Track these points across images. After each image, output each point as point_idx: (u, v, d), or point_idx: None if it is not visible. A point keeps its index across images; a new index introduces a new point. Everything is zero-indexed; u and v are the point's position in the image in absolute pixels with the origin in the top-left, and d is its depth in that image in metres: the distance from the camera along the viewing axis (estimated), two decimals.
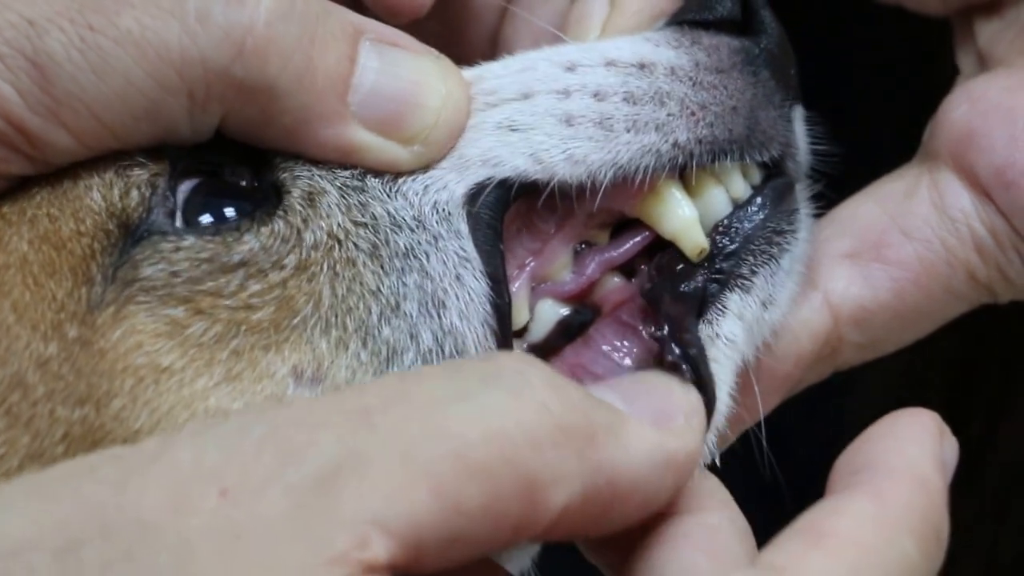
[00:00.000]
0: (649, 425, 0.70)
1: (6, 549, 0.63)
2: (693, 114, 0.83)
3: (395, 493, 0.64)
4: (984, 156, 0.89)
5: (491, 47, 0.96)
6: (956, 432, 0.75)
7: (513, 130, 0.82)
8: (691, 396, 0.74)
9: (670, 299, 0.83)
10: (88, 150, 0.80)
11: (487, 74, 0.85)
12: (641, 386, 0.73)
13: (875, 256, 0.90)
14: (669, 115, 0.83)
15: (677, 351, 0.80)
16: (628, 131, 0.82)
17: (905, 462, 0.70)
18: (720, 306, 0.84)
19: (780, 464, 1.21)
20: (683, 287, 0.83)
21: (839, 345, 0.90)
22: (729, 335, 0.83)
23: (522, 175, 0.82)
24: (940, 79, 0.95)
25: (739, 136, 0.84)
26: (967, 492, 1.01)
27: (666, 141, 0.83)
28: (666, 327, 0.81)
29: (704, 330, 0.83)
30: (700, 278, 0.84)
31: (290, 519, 0.63)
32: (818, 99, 0.90)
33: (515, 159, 0.82)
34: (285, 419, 0.66)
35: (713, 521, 0.72)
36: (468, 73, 0.85)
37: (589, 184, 0.82)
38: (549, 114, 0.82)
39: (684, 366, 0.79)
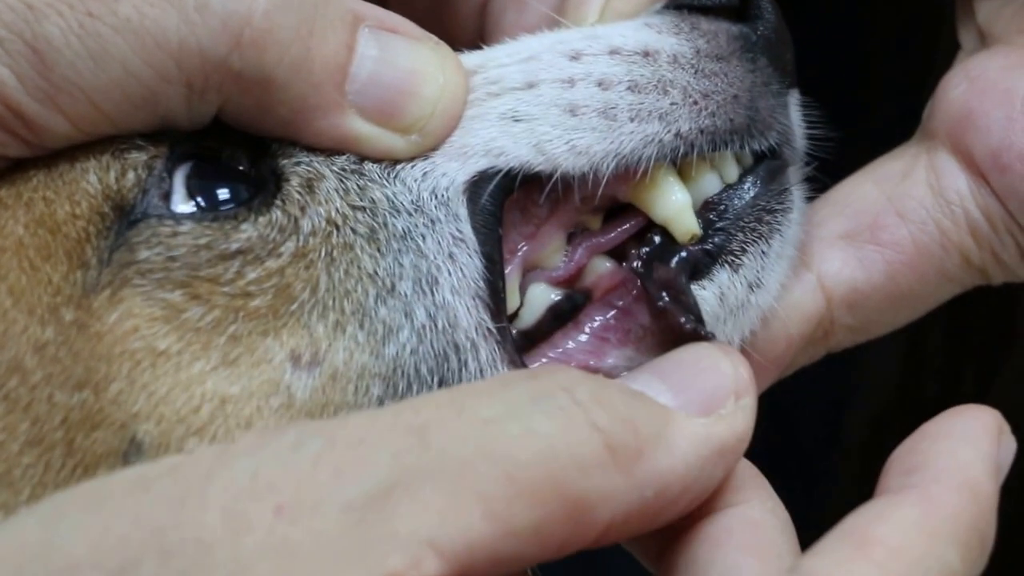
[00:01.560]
0: (697, 416, 0.70)
1: (63, 566, 0.63)
2: (696, 103, 0.83)
3: (449, 513, 0.64)
4: (981, 137, 0.89)
5: (480, 20, 0.96)
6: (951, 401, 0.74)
7: (517, 120, 0.82)
8: (740, 370, 0.74)
9: (661, 268, 0.83)
10: (85, 135, 0.80)
11: (490, 62, 0.85)
12: (688, 368, 0.74)
13: (870, 238, 0.90)
14: (672, 104, 0.83)
15: (690, 316, 0.81)
16: (632, 120, 0.82)
17: (957, 466, 0.70)
18: (709, 277, 0.84)
19: (782, 442, 1.22)
20: (674, 258, 0.84)
21: (831, 327, 0.90)
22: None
23: (526, 166, 0.82)
24: (938, 62, 0.95)
25: (740, 126, 0.84)
26: None
27: (668, 131, 0.83)
28: (666, 295, 0.82)
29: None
30: (690, 251, 0.84)
31: (345, 538, 0.63)
32: (813, 83, 0.90)
33: (519, 150, 0.82)
34: (342, 434, 0.66)
35: (756, 515, 0.73)
36: (469, 60, 0.85)
37: (591, 174, 0.82)
38: (554, 104, 0.82)
39: (702, 330, 0.80)
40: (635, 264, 0.83)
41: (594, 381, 0.69)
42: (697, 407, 0.71)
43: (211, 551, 0.63)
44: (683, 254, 0.84)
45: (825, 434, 1.26)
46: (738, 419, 0.72)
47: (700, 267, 0.84)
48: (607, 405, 0.68)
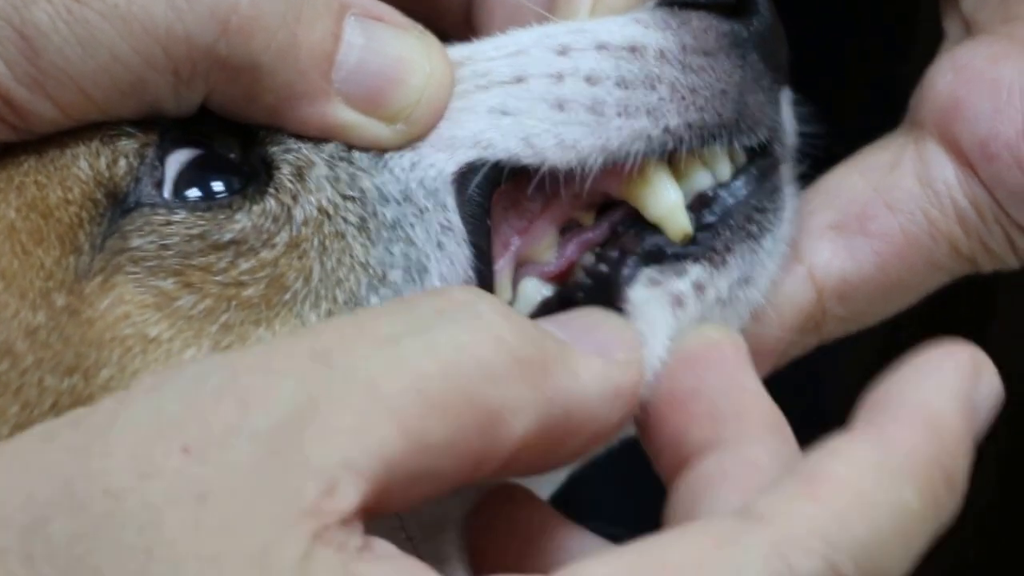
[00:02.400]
0: (596, 357, 0.70)
1: None
2: (683, 98, 0.83)
3: (361, 433, 0.63)
4: (968, 127, 0.88)
5: (467, 11, 0.95)
6: None
7: (505, 114, 0.82)
8: (628, 330, 0.74)
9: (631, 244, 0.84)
10: (73, 121, 0.80)
11: (478, 55, 0.85)
12: (580, 321, 0.73)
13: (859, 229, 0.90)
14: (660, 99, 0.83)
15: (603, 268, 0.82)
16: (619, 116, 0.82)
17: (918, 402, 0.68)
18: (675, 270, 0.84)
19: None
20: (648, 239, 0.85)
21: (823, 319, 0.90)
22: (679, 294, 0.83)
23: (514, 159, 0.82)
24: (916, 53, 0.95)
25: (728, 120, 0.84)
26: None
27: (657, 126, 0.83)
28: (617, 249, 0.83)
29: (653, 277, 0.84)
30: (676, 247, 0.84)
31: (256, 473, 0.62)
32: (805, 80, 0.90)
33: (507, 142, 0.82)
34: (242, 365, 0.65)
35: (753, 456, 0.72)
36: (456, 51, 0.85)
37: (579, 169, 0.82)
38: (542, 99, 0.82)
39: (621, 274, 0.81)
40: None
41: (497, 301, 0.69)
42: (592, 351, 0.71)
43: (120, 500, 0.62)
44: (667, 249, 0.84)
45: (804, 408, 1.27)
46: (631, 369, 0.71)
47: (670, 258, 0.84)
48: (512, 321, 0.67)
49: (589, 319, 0.74)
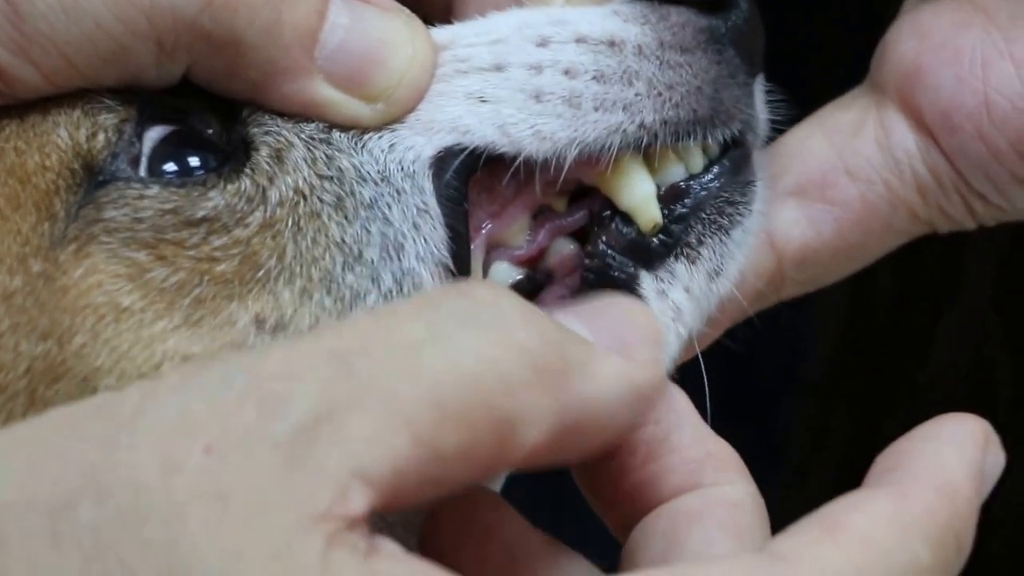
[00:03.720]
0: (616, 356, 0.70)
1: None
2: (660, 95, 0.84)
3: (375, 440, 0.64)
4: (930, 97, 0.89)
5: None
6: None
7: (483, 101, 0.83)
8: (650, 321, 0.74)
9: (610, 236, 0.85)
10: (56, 88, 0.81)
11: (458, 40, 0.85)
12: (604, 313, 0.73)
13: (819, 196, 0.91)
14: (637, 95, 0.84)
15: (620, 262, 0.83)
16: (596, 110, 0.83)
17: (937, 467, 0.70)
18: (668, 272, 0.85)
19: (740, 381, 1.24)
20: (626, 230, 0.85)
21: (781, 283, 0.92)
22: (677, 304, 0.85)
23: (490, 146, 0.83)
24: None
25: (703, 117, 0.85)
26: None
27: (632, 122, 0.84)
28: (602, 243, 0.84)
29: (656, 285, 0.85)
30: (649, 239, 0.85)
31: (275, 477, 0.63)
32: (777, 65, 0.91)
33: (484, 129, 0.83)
34: (266, 367, 0.66)
35: (736, 497, 0.73)
36: (438, 34, 0.85)
37: (554, 160, 0.83)
38: (520, 89, 0.83)
39: (628, 274, 0.82)
40: (596, 246, 0.85)
41: (520, 300, 0.69)
42: (613, 348, 0.71)
43: (145, 493, 0.63)
44: (640, 240, 0.85)
45: (782, 372, 1.28)
46: (651, 366, 0.71)
47: (655, 256, 0.85)
48: (534, 325, 0.67)
49: (615, 312, 0.73)
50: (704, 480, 0.75)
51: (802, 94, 0.91)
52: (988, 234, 0.97)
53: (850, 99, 0.93)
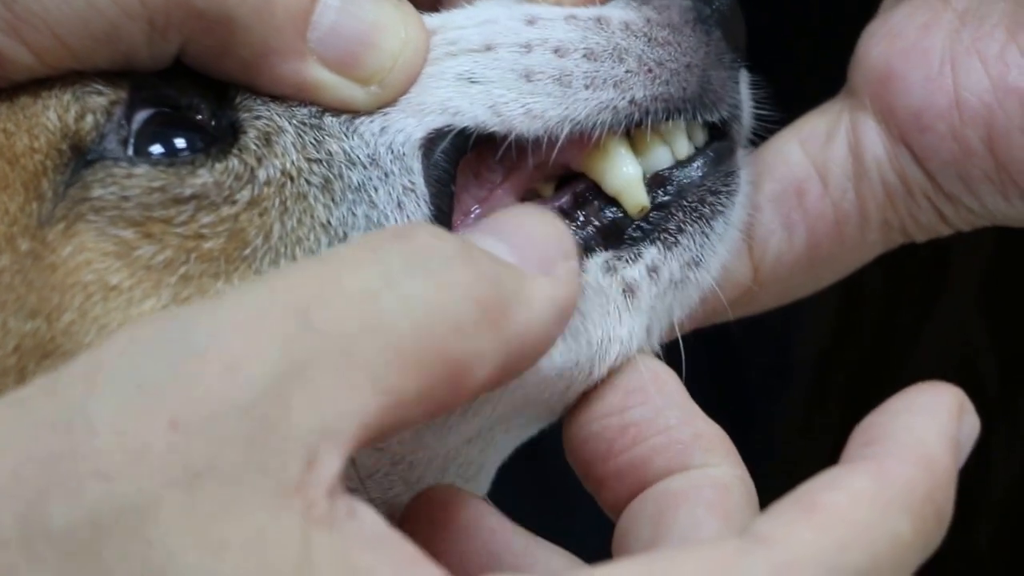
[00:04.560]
0: (542, 278, 0.71)
1: None
2: (650, 71, 0.84)
3: (341, 398, 0.64)
4: (901, 99, 0.89)
5: None
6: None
7: (473, 82, 0.83)
8: (562, 231, 0.74)
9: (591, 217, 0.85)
10: (49, 69, 0.81)
11: (449, 23, 0.86)
12: (519, 229, 0.73)
13: (796, 204, 0.91)
14: (627, 72, 0.84)
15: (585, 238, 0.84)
16: (587, 88, 0.83)
17: (914, 440, 0.70)
18: (634, 252, 0.85)
19: (730, 369, 1.24)
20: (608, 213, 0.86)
21: (757, 294, 0.92)
22: (629, 281, 0.85)
23: (481, 126, 0.83)
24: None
25: (693, 95, 0.86)
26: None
27: (623, 98, 0.84)
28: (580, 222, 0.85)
29: (609, 263, 0.85)
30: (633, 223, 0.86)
31: (244, 448, 0.63)
32: (761, 63, 0.91)
33: (475, 110, 0.83)
34: (224, 322, 0.65)
35: (725, 479, 0.74)
36: (430, 20, 0.86)
37: (545, 138, 0.83)
38: (510, 68, 0.83)
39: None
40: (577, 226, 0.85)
41: (456, 239, 0.70)
42: (536, 268, 0.72)
43: (113, 482, 0.62)
44: (619, 220, 0.85)
45: (772, 370, 1.28)
46: (570, 283, 0.72)
47: (627, 239, 0.85)
48: (472, 263, 0.68)
49: (526, 227, 0.74)
50: (692, 461, 0.76)
51: (788, 100, 0.92)
52: (974, 237, 0.97)
53: (827, 106, 0.94)
